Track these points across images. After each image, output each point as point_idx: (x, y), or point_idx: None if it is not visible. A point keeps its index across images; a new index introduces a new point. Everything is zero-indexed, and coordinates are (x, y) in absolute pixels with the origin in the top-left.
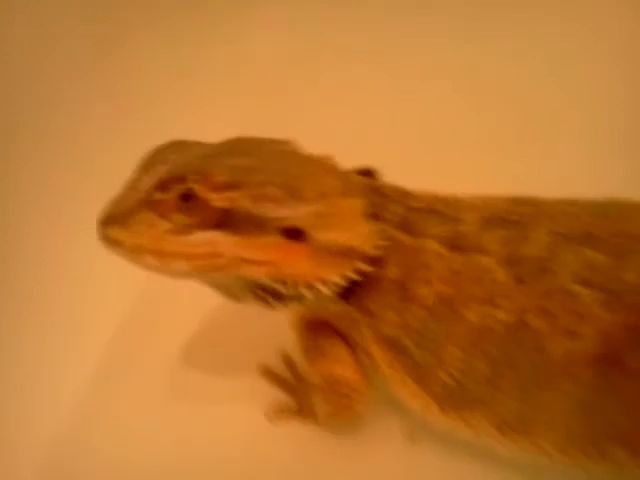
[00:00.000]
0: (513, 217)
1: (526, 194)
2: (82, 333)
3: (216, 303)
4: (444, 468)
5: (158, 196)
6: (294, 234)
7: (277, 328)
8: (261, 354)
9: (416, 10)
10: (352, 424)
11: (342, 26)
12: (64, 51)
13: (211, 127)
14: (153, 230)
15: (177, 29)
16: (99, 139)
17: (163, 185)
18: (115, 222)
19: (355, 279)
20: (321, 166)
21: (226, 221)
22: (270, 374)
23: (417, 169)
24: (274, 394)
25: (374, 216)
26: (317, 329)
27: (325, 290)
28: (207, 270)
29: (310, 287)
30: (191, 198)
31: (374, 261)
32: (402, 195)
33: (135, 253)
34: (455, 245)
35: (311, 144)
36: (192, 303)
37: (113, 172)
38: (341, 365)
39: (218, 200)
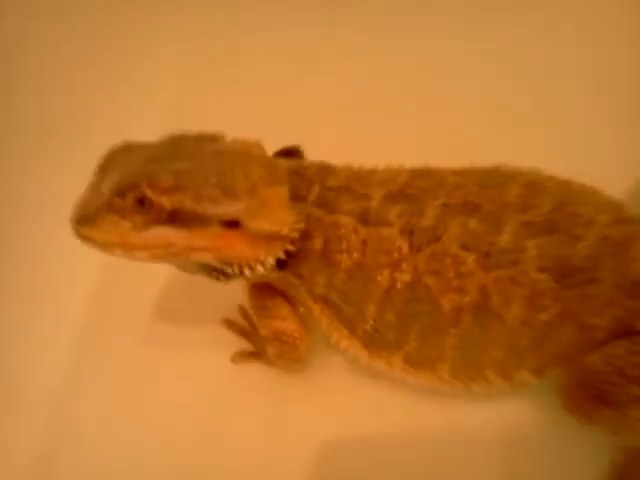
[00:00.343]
0: (411, 191)
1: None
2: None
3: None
4: (373, 393)
5: (118, 202)
6: (232, 224)
7: (235, 288)
8: (224, 310)
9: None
10: (304, 363)
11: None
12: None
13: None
14: (117, 228)
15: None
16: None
17: (121, 193)
18: (85, 222)
19: (283, 258)
20: (249, 158)
21: (175, 217)
22: (232, 325)
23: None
24: (237, 342)
25: (296, 197)
26: (263, 292)
27: (261, 268)
28: (164, 257)
29: (249, 266)
30: (145, 201)
31: (301, 237)
32: (321, 175)
33: (105, 247)
34: (364, 219)
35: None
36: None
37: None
38: (284, 320)
39: (167, 201)
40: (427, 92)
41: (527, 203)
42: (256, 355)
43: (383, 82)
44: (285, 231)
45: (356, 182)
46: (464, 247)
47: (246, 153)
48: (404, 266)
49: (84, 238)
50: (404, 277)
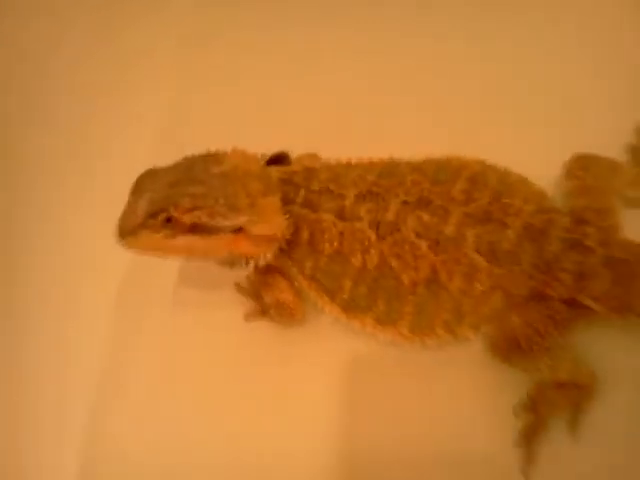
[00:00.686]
0: (377, 190)
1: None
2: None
3: None
4: (352, 343)
5: (151, 222)
6: (238, 230)
7: None
8: (235, 278)
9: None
10: (300, 322)
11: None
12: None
13: None
14: (151, 239)
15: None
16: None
17: (153, 215)
18: (127, 236)
19: (278, 252)
20: (248, 175)
21: (195, 229)
22: (242, 289)
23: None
24: (247, 303)
25: (287, 201)
26: (265, 271)
27: (262, 261)
28: (188, 257)
29: (253, 259)
30: (171, 219)
31: (292, 231)
32: (306, 180)
33: (144, 253)
34: (341, 215)
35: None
36: None
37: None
38: (282, 292)
39: (188, 218)
40: (427, 92)
41: (469, 197)
42: (263, 314)
43: (383, 82)
44: (279, 233)
45: (334, 183)
46: (419, 235)
47: (245, 171)
48: (372, 251)
49: (128, 247)
50: (373, 259)
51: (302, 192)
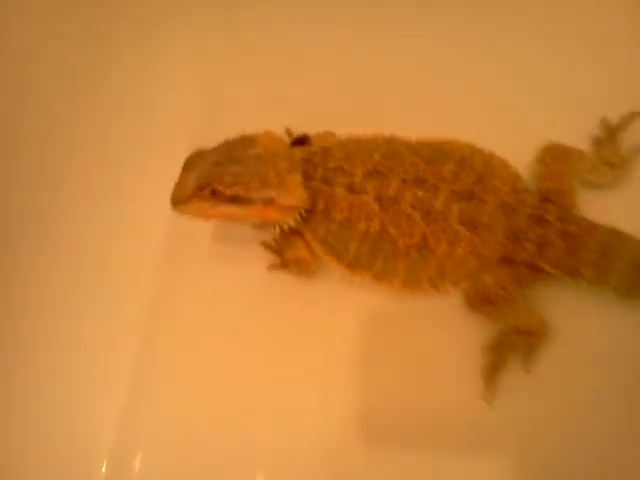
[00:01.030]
0: (381, 169)
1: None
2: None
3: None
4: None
5: (199, 193)
6: (268, 201)
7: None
8: (261, 237)
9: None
10: (314, 274)
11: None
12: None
13: None
14: (199, 206)
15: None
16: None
17: (201, 187)
18: (180, 203)
19: (299, 219)
20: (276, 156)
21: (234, 199)
22: (268, 246)
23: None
24: (270, 257)
25: (307, 177)
26: (287, 233)
27: (286, 226)
28: (228, 221)
29: (279, 224)
30: (215, 191)
31: (310, 202)
32: (323, 159)
33: (194, 216)
34: (351, 189)
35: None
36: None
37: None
38: (300, 250)
39: (229, 191)
40: (426, 93)
41: (456, 177)
42: (283, 266)
43: (383, 81)
44: (300, 204)
45: (346, 162)
46: (413, 208)
47: (274, 152)
48: (375, 220)
49: (179, 212)
50: (375, 227)
51: (320, 170)
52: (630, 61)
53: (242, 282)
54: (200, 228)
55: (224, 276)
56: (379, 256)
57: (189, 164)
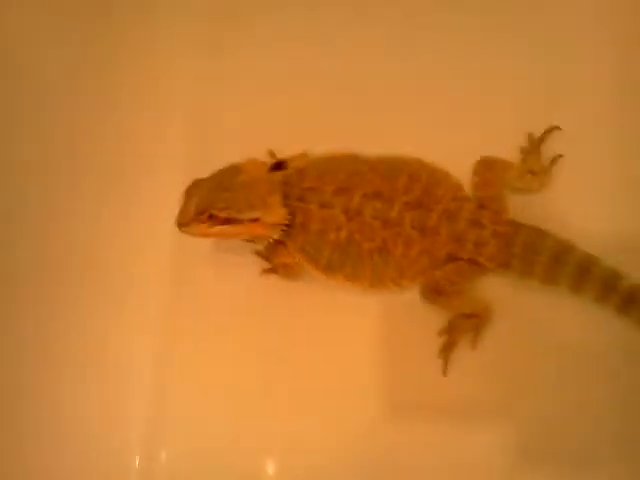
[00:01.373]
0: (346, 186)
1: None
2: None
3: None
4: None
5: (199, 217)
6: (254, 220)
7: None
8: (254, 249)
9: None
10: (298, 278)
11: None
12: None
13: None
14: (200, 228)
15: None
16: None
17: (200, 212)
18: (184, 225)
19: (281, 232)
20: (260, 181)
21: (227, 220)
22: (259, 254)
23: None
24: (263, 263)
25: (286, 197)
26: (274, 244)
27: (271, 239)
28: (224, 238)
29: (264, 238)
30: (211, 215)
31: (290, 218)
32: (298, 180)
33: (194, 236)
34: (322, 205)
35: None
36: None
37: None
38: (285, 257)
39: (222, 214)
40: (425, 95)
41: (408, 190)
42: (273, 270)
43: (381, 85)
44: (281, 220)
45: (317, 182)
46: (374, 217)
47: (257, 178)
48: (343, 229)
49: (183, 232)
50: (343, 235)
51: (296, 190)
52: (550, 80)
53: (238, 283)
54: (203, 246)
55: (224, 279)
56: (348, 260)
57: (189, 192)
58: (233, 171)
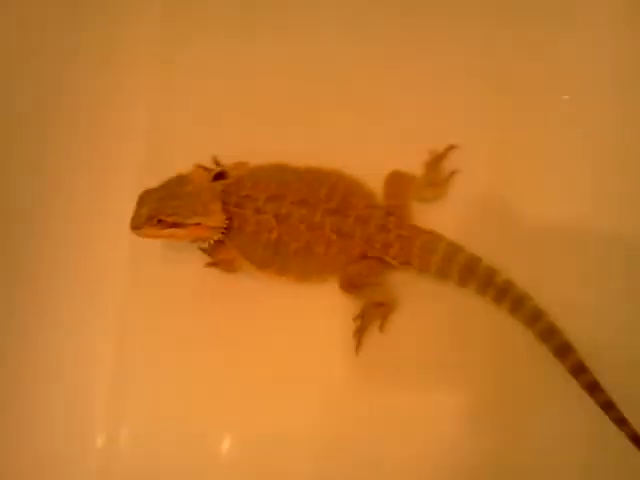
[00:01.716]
0: (277, 194)
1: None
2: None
3: None
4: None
5: (149, 222)
6: (198, 224)
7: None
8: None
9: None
10: (237, 271)
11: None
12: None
13: None
14: (151, 231)
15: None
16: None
17: (150, 218)
18: (137, 229)
19: (220, 234)
20: (203, 189)
21: (174, 224)
22: (203, 250)
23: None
24: (205, 258)
25: (225, 204)
26: (215, 244)
27: (212, 240)
28: (173, 239)
29: (206, 240)
30: (161, 220)
31: (229, 222)
32: (236, 189)
33: (146, 238)
34: (257, 211)
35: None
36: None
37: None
38: (224, 254)
39: (170, 219)
40: (349, 113)
41: (328, 198)
42: (215, 264)
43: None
44: (221, 225)
45: (253, 190)
46: (300, 222)
47: (201, 187)
48: (274, 231)
49: (137, 235)
50: (274, 236)
51: (234, 197)
52: (462, 98)
53: (189, 275)
54: (157, 247)
55: (177, 272)
56: (278, 257)
57: (141, 200)
58: (180, 180)
